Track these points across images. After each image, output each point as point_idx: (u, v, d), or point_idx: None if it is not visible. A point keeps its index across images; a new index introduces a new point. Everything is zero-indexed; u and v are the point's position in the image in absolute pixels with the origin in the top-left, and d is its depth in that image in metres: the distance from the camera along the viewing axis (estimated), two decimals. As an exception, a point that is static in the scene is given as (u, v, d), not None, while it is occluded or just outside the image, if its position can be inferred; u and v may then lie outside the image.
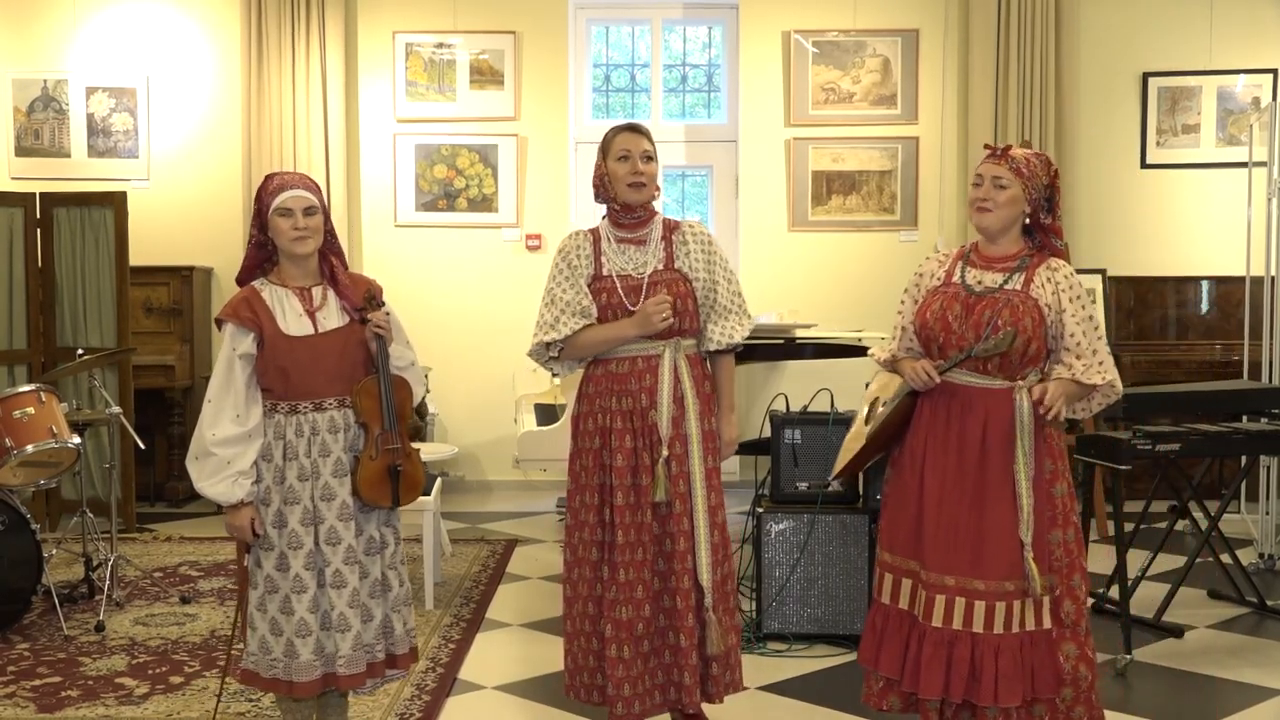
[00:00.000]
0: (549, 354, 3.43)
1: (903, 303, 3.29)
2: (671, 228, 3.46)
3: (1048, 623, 3.07)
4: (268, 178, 3.12)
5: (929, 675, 3.05)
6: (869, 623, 3.27)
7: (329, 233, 3.15)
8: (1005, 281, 3.11)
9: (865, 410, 3.36)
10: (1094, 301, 3.46)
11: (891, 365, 3.30)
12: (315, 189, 3.12)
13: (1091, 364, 3.07)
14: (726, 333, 3.43)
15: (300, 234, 3.05)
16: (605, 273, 3.40)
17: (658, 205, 3.56)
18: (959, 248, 3.28)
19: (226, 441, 3.00)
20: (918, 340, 3.22)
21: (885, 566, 3.23)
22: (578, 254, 3.42)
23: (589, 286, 3.39)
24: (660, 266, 3.40)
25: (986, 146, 3.19)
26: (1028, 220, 3.16)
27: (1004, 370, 3.07)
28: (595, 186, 3.46)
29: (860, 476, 4.52)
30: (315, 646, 3.06)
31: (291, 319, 3.06)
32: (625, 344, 3.36)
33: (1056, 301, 3.09)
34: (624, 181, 3.37)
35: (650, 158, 3.40)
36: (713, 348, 3.44)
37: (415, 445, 3.28)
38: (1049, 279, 3.11)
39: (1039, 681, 3.05)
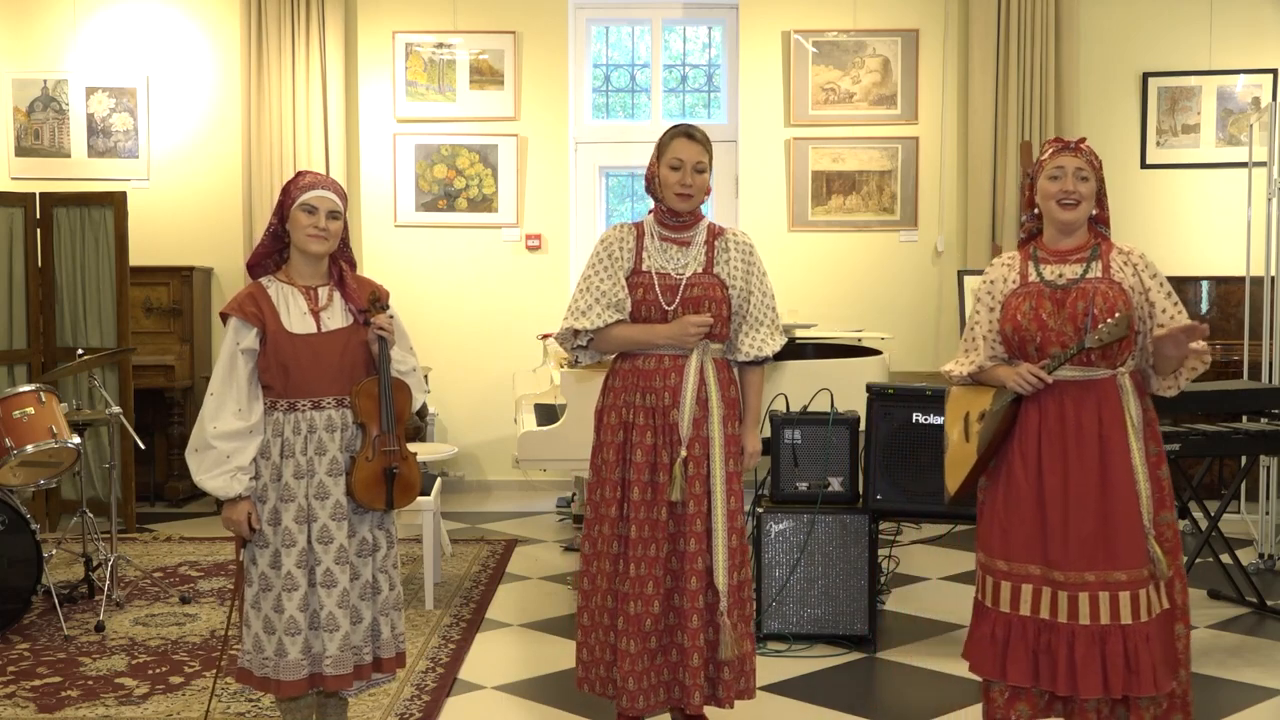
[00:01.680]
0: (576, 341, 3.45)
1: (976, 313, 3.21)
2: (716, 233, 3.47)
3: (1167, 604, 3.06)
4: (300, 173, 3.17)
5: (1086, 675, 2.97)
6: (984, 634, 3.13)
7: (344, 241, 3.20)
8: (1085, 271, 3.08)
9: (961, 428, 3.24)
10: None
11: (975, 379, 3.21)
12: (344, 197, 3.17)
13: None
14: (756, 345, 3.43)
15: (318, 234, 3.08)
16: (644, 268, 3.41)
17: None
18: (1021, 249, 3.22)
19: (227, 435, 3.01)
20: (1006, 346, 3.14)
21: (999, 574, 3.10)
22: (620, 246, 3.43)
23: (626, 280, 3.40)
24: (699, 270, 3.40)
25: (1058, 140, 3.14)
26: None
27: (1105, 359, 3.04)
28: (647, 180, 3.48)
29: (860, 476, 4.53)
30: (303, 646, 3.05)
31: (295, 317, 3.08)
32: (655, 348, 3.38)
33: (1139, 282, 3.07)
34: (673, 190, 3.38)
35: (702, 170, 3.39)
36: (742, 359, 3.45)
37: (413, 449, 3.27)
38: (1125, 262, 3.09)
39: (1170, 665, 3.04)
